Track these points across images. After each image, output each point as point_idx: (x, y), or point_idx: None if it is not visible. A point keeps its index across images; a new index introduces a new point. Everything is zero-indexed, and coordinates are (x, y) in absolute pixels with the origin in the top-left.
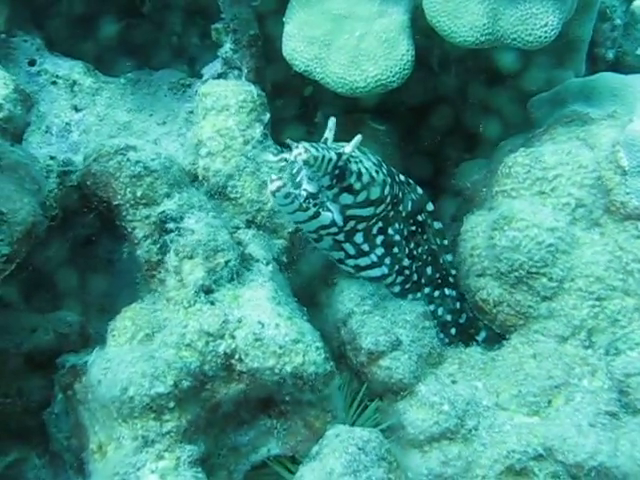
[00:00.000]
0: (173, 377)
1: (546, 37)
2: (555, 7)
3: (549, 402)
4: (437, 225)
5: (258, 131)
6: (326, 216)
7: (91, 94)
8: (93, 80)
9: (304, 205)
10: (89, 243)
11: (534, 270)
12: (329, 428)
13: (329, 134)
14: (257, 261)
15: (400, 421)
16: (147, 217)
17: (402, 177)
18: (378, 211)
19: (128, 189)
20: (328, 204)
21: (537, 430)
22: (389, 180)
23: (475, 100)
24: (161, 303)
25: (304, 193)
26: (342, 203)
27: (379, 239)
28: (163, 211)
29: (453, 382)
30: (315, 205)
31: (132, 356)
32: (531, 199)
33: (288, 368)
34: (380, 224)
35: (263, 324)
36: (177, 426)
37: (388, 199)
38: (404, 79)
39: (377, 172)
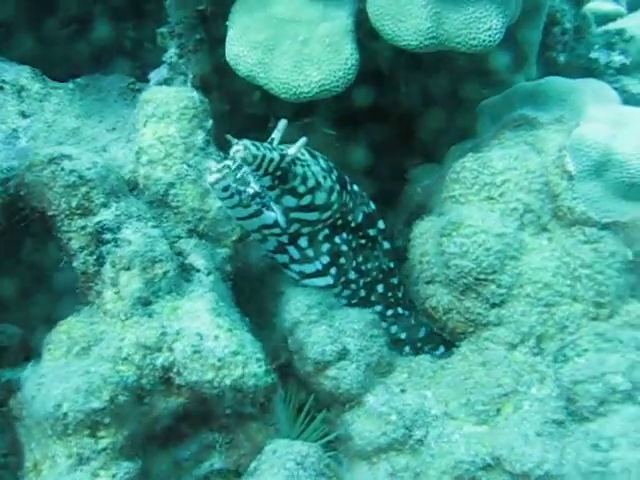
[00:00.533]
0: (109, 392)
1: (490, 41)
2: (498, 11)
3: (498, 411)
4: (386, 245)
5: (200, 138)
6: (268, 216)
7: (39, 100)
8: (41, 85)
9: (244, 201)
10: (36, 251)
11: (482, 277)
12: (269, 442)
13: (277, 135)
14: (198, 271)
15: (348, 432)
16: (83, 228)
17: (355, 187)
18: (324, 217)
19: (63, 199)
20: (272, 204)
21: (485, 439)
22: (338, 187)
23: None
24: (98, 316)
25: (250, 191)
26: (285, 205)
27: (325, 247)
28: (99, 221)
29: (402, 391)
30: (259, 204)
31: (66, 371)
32: (479, 205)
33: (227, 381)
34: (326, 231)
35: (202, 336)
36: (113, 442)
37: (335, 206)
38: (348, 83)
39: (325, 178)
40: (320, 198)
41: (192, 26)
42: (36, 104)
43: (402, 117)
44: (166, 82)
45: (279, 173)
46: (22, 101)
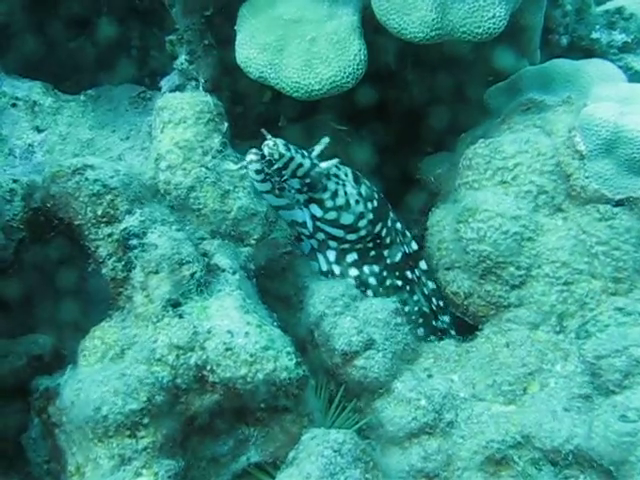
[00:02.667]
0: (146, 393)
1: (495, 28)
2: None
3: (524, 389)
4: (431, 285)
5: (217, 141)
6: (299, 213)
7: (52, 114)
8: (53, 99)
9: (277, 191)
10: (61, 263)
11: (501, 260)
12: (305, 432)
13: (317, 148)
14: (223, 271)
15: (379, 419)
16: (110, 235)
17: (399, 225)
18: (349, 237)
19: (88, 208)
20: (302, 206)
21: (514, 418)
22: (371, 216)
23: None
24: (130, 320)
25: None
26: (311, 212)
27: (352, 271)
28: (125, 228)
29: (429, 376)
30: (292, 199)
31: (103, 375)
32: (493, 189)
33: (260, 375)
34: (355, 256)
35: (232, 333)
36: (153, 442)
37: (363, 232)
38: (358, 79)
39: (357, 202)
40: (346, 219)
41: (200, 32)
42: (49, 118)
43: (408, 115)
44: (178, 89)
45: (308, 180)
46: (36, 116)
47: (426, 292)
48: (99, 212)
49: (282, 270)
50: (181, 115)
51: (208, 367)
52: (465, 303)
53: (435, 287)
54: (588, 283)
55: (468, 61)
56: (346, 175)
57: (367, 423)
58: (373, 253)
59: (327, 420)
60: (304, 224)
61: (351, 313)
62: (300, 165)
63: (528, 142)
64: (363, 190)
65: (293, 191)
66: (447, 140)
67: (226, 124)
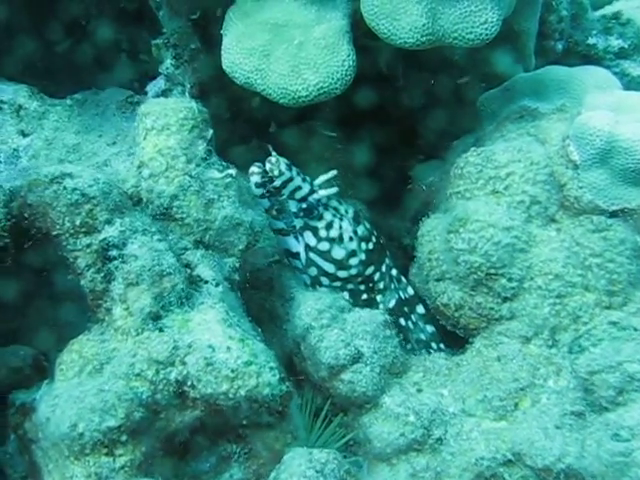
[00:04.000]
0: (124, 409)
1: (487, 34)
2: (493, 3)
3: (515, 405)
4: (430, 329)
5: (201, 148)
6: (292, 242)
7: (37, 118)
8: (39, 103)
9: (274, 211)
10: (45, 271)
11: (493, 271)
12: (288, 451)
13: (322, 177)
14: (206, 282)
15: (366, 435)
16: (88, 246)
17: (394, 272)
18: (340, 275)
19: (66, 218)
20: (298, 234)
21: (505, 435)
22: (363, 257)
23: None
24: (109, 333)
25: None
26: (305, 240)
27: None
28: (104, 238)
29: (418, 391)
30: (290, 226)
31: (80, 390)
32: (485, 199)
33: (242, 392)
34: (346, 296)
35: (214, 348)
36: (131, 460)
37: (354, 271)
38: (347, 85)
39: (351, 239)
40: (337, 253)
41: (187, 36)
42: (35, 122)
43: (404, 118)
44: (164, 93)
45: (305, 205)
46: (21, 120)
47: (424, 337)
48: (77, 222)
49: (269, 280)
50: (164, 122)
51: (189, 383)
52: (456, 315)
53: (434, 330)
54: (582, 296)
55: (462, 67)
56: (346, 212)
57: (354, 439)
58: (365, 297)
59: (312, 436)
60: (297, 255)
61: (338, 325)
62: (299, 188)
63: (521, 151)
64: (360, 230)
65: (290, 214)
66: (441, 146)
67: (211, 131)
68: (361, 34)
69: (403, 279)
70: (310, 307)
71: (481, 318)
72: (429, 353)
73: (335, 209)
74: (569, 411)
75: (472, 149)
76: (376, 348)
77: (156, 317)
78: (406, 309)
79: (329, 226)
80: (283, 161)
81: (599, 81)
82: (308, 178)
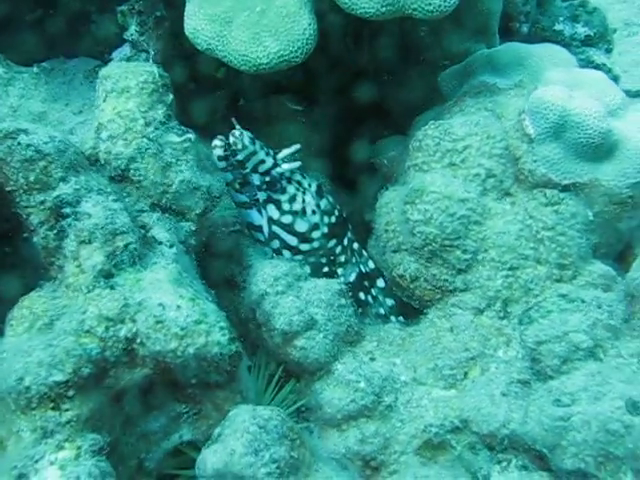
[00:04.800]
0: (72, 365)
1: (447, 6)
2: None
3: (465, 374)
4: (390, 302)
5: (160, 112)
6: (256, 215)
7: (3, 85)
8: (4, 70)
9: (235, 184)
10: (6, 237)
11: (447, 243)
12: (232, 408)
13: (285, 151)
14: (160, 244)
15: (317, 401)
16: (42, 202)
17: (356, 245)
18: (302, 248)
19: (20, 174)
20: (261, 208)
21: (453, 403)
22: (325, 230)
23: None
24: (60, 290)
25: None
26: (268, 214)
27: None
28: (58, 195)
29: (371, 360)
30: (252, 198)
31: (29, 345)
32: (442, 171)
33: (191, 350)
34: (307, 269)
35: (164, 306)
36: (77, 415)
37: (316, 244)
38: (307, 54)
39: (314, 212)
40: (300, 226)
41: (152, 3)
42: (0, 89)
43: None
44: (129, 60)
45: (268, 179)
46: None
47: (383, 311)
48: (31, 178)
49: (229, 249)
50: (124, 84)
51: (138, 340)
52: (411, 287)
53: (394, 303)
54: (533, 269)
55: (426, 44)
56: (310, 185)
57: (306, 404)
58: (326, 270)
59: (264, 399)
60: (260, 228)
61: (294, 293)
62: (262, 161)
63: (478, 124)
64: (323, 204)
65: (253, 187)
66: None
67: (171, 96)
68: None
69: (364, 253)
70: (266, 274)
71: (436, 290)
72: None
73: (298, 183)
74: (516, 379)
75: (430, 122)
76: (330, 316)
77: (108, 275)
78: (366, 283)
79: (292, 199)
80: (247, 134)
81: (557, 59)
82: (272, 152)
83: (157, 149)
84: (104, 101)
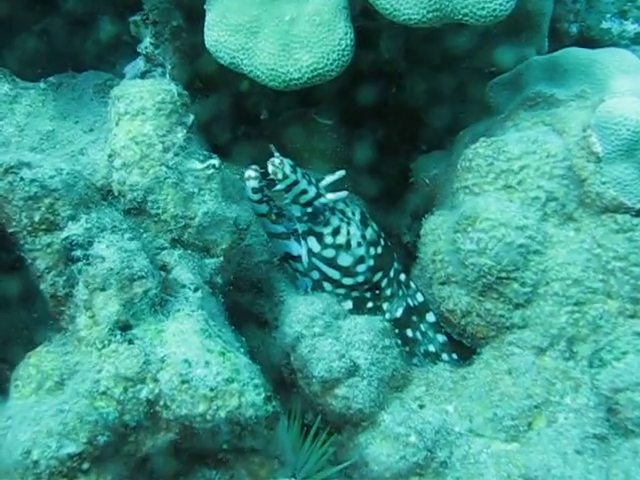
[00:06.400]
0: (87, 433)
1: (502, 10)
2: None
3: (529, 425)
4: (441, 339)
5: (180, 136)
6: (295, 246)
7: (8, 102)
8: (10, 87)
9: (272, 215)
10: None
11: (504, 275)
12: (276, 476)
13: (329, 178)
14: (184, 287)
15: (362, 457)
16: (49, 245)
17: (403, 277)
18: (345, 282)
19: (24, 214)
20: (301, 239)
21: (517, 459)
22: (372, 263)
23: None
24: (72, 344)
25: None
26: (309, 246)
27: None
28: (67, 237)
29: (420, 406)
30: (290, 229)
31: (37, 411)
32: (496, 195)
33: (222, 413)
34: (350, 304)
35: (190, 363)
36: None
37: (360, 279)
38: (344, 67)
39: (359, 245)
40: (344, 260)
41: (168, 12)
42: (5, 107)
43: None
44: (143, 75)
45: (310, 210)
46: None
47: (433, 349)
48: (36, 218)
49: (257, 281)
50: (139, 105)
51: (161, 402)
52: (462, 323)
53: (446, 340)
54: (603, 303)
55: (468, 50)
56: (353, 214)
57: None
58: (370, 305)
59: (301, 456)
60: (299, 258)
61: (332, 334)
62: (304, 192)
63: (536, 142)
64: (368, 233)
65: (293, 219)
66: (444, 138)
67: (192, 117)
68: (358, 13)
69: (412, 284)
70: (301, 313)
71: (490, 326)
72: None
73: (342, 212)
74: (590, 433)
75: (481, 139)
76: (374, 359)
77: (125, 327)
78: (415, 318)
79: (336, 232)
80: (287, 162)
81: (624, 65)
82: (314, 179)
83: (177, 178)
84: (117, 125)
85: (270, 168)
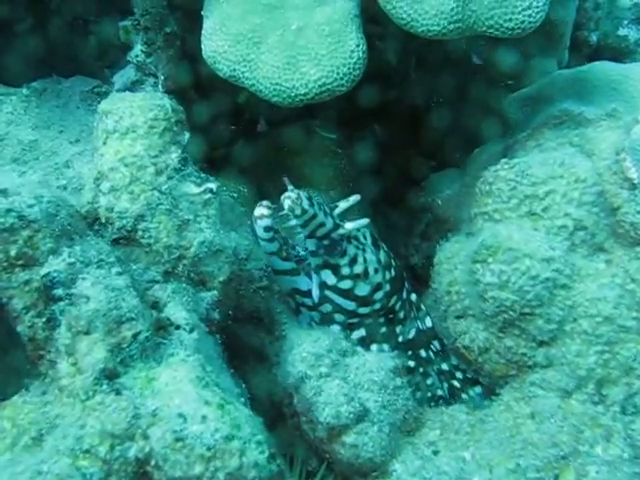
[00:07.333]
0: None
1: (530, 22)
2: None
3: (556, 478)
4: (445, 366)
5: (174, 156)
6: (305, 280)
7: None
8: None
9: (284, 252)
10: None
11: (527, 310)
12: None
13: (343, 204)
14: (178, 328)
15: None
16: (27, 282)
17: (414, 297)
18: (361, 312)
19: None
20: (312, 272)
21: None
22: (388, 288)
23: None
24: (52, 393)
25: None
26: (322, 279)
27: None
28: (48, 273)
29: (435, 453)
30: (299, 263)
31: (11, 472)
32: (519, 222)
33: (221, 475)
34: (363, 332)
35: (185, 417)
36: None
37: (377, 306)
38: (355, 81)
39: (376, 271)
40: (362, 290)
41: (161, 17)
42: None
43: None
44: (133, 86)
45: (327, 242)
46: None
47: (447, 367)
48: (12, 252)
49: (255, 310)
50: (129, 123)
51: (152, 462)
52: (480, 360)
53: (451, 366)
54: (637, 343)
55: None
56: (365, 238)
57: None
58: (384, 330)
59: None
60: (308, 293)
61: (340, 374)
62: (321, 225)
63: (563, 165)
64: (382, 257)
65: (305, 253)
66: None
67: (187, 135)
68: (366, 19)
69: (422, 306)
70: (306, 351)
71: (510, 365)
72: (453, 386)
73: (356, 239)
74: None
75: (503, 161)
76: (385, 402)
77: (112, 375)
78: (424, 341)
79: (353, 262)
80: (304, 196)
81: None
82: (328, 208)
83: (171, 204)
84: (104, 144)
85: (287, 204)
